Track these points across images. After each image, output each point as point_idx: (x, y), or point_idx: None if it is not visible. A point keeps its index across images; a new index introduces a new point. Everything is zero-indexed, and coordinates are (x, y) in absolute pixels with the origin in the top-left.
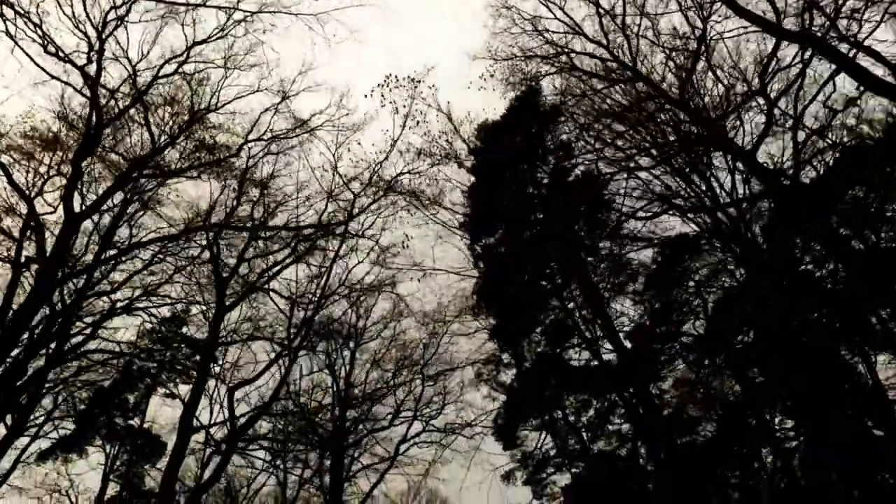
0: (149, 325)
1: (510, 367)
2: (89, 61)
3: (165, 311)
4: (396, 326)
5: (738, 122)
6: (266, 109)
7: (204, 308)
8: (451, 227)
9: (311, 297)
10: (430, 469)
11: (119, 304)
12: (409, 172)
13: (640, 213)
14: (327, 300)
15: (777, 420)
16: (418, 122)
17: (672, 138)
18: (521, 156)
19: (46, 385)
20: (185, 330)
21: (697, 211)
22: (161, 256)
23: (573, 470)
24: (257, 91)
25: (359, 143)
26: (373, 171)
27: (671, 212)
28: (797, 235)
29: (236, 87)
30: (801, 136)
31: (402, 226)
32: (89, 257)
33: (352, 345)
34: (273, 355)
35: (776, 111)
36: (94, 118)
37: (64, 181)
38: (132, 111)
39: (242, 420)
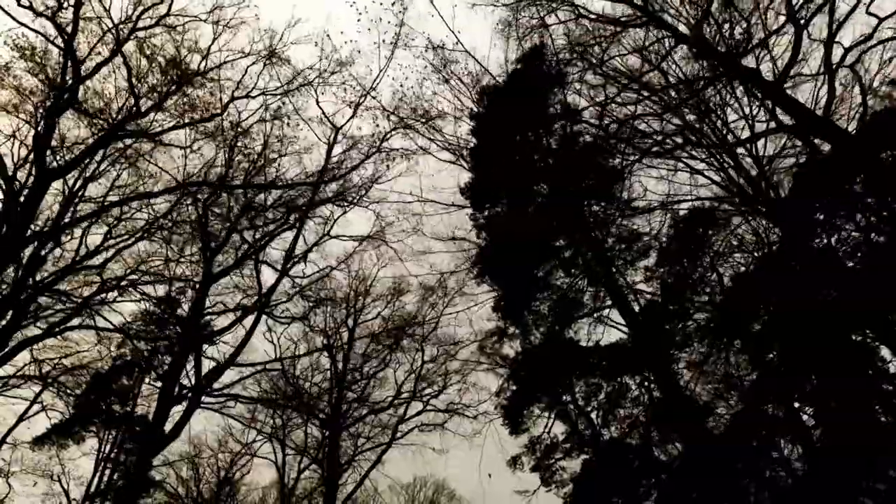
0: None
1: (514, 338)
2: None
3: (160, 292)
4: (396, 303)
5: (761, 56)
6: (254, 63)
7: (194, 282)
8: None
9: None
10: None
11: (109, 281)
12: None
13: (654, 151)
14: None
15: (796, 409)
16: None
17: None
18: (526, 121)
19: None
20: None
21: (715, 147)
22: (147, 225)
23: (583, 456)
24: (248, 54)
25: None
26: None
27: (687, 149)
28: (827, 195)
29: (226, 52)
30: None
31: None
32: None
33: (350, 322)
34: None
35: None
36: (69, 72)
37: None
38: (113, 66)
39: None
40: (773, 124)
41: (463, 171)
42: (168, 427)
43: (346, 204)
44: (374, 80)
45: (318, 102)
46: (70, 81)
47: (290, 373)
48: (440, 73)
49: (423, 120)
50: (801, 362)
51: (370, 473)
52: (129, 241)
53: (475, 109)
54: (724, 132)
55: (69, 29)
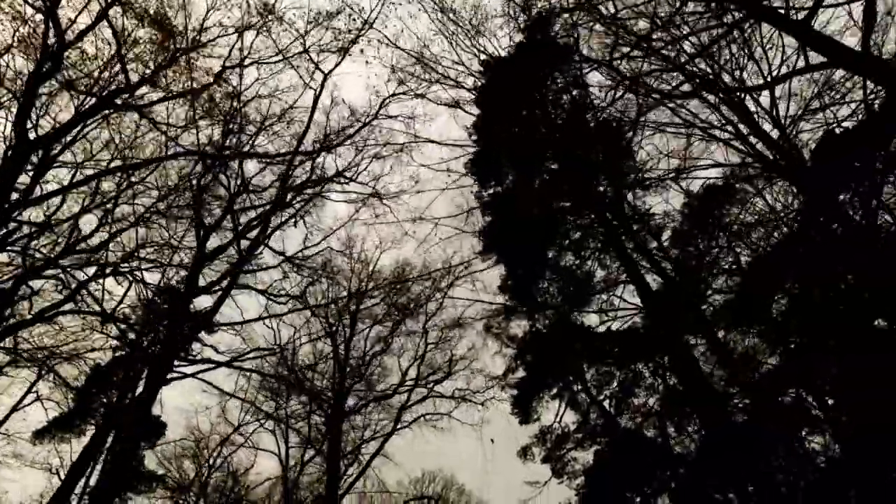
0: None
1: (522, 315)
2: None
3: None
4: (399, 287)
5: None
6: (248, 28)
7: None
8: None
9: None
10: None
11: (103, 263)
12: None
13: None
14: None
15: (819, 400)
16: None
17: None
18: (532, 94)
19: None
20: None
21: (732, 92)
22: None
23: (596, 447)
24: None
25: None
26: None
27: (703, 94)
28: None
29: (220, 25)
30: None
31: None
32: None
33: (353, 306)
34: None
35: None
36: (51, 36)
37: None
38: (101, 37)
39: None
40: (801, 62)
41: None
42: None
43: (346, 181)
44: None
45: (305, 50)
46: (55, 47)
47: (291, 358)
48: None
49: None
50: (825, 344)
51: (376, 464)
52: (125, 226)
53: (482, 62)
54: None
55: None
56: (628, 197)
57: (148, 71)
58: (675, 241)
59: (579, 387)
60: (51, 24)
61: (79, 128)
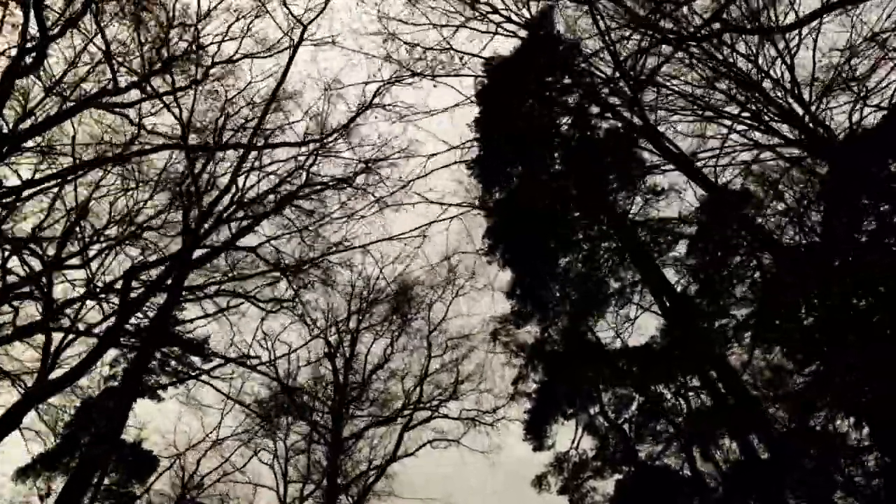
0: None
1: (531, 319)
2: None
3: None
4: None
5: None
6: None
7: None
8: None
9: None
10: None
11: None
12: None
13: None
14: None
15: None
16: None
17: None
18: (536, 96)
19: None
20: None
21: (754, 33)
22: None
23: (617, 476)
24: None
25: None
26: None
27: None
28: None
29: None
30: None
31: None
32: None
33: (352, 324)
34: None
35: None
36: (31, 27)
37: None
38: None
39: None
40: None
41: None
42: None
43: (344, 186)
44: None
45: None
46: (37, 40)
47: (285, 376)
48: None
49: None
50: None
51: (376, 488)
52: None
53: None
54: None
55: None
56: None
57: (138, 75)
58: (693, 248)
59: (596, 410)
60: (31, 16)
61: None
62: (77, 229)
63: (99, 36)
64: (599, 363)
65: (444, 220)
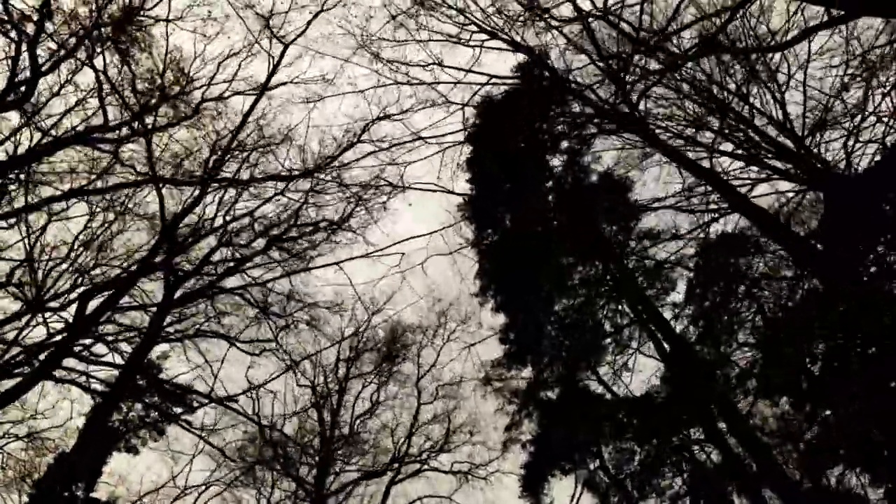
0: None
1: (524, 363)
2: None
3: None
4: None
5: None
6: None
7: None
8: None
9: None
10: None
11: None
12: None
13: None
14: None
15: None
16: None
17: None
18: (528, 139)
19: None
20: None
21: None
22: None
23: None
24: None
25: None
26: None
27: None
28: None
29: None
30: None
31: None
32: None
33: (341, 371)
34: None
35: None
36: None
37: None
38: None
39: None
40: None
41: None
42: None
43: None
44: None
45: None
46: (26, 76)
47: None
48: None
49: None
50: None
51: None
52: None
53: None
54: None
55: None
56: (637, 244)
57: (128, 115)
58: (692, 294)
59: (596, 464)
60: (21, 47)
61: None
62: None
63: (91, 72)
64: (598, 414)
65: (423, 235)
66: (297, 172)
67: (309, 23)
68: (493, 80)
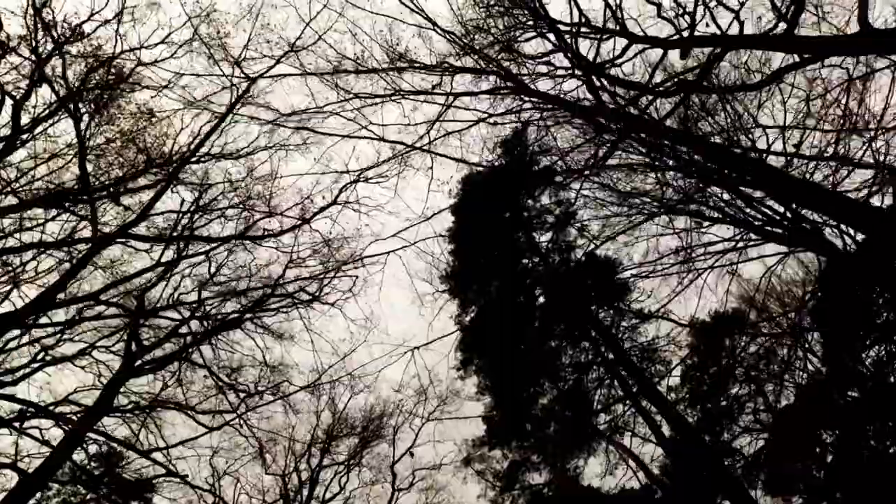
0: None
1: (508, 444)
2: None
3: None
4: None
5: None
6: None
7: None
8: None
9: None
10: None
11: None
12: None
13: None
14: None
15: None
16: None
17: None
18: (513, 219)
19: None
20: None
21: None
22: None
23: None
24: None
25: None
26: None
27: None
28: None
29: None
30: None
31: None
32: None
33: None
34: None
35: None
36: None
37: None
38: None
39: None
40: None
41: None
42: None
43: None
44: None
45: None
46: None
47: None
48: None
49: None
50: None
51: None
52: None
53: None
54: None
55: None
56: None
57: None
58: (687, 378)
59: None
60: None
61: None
62: None
63: (74, 137)
64: None
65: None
66: (271, 231)
67: (278, 60)
68: (473, 163)
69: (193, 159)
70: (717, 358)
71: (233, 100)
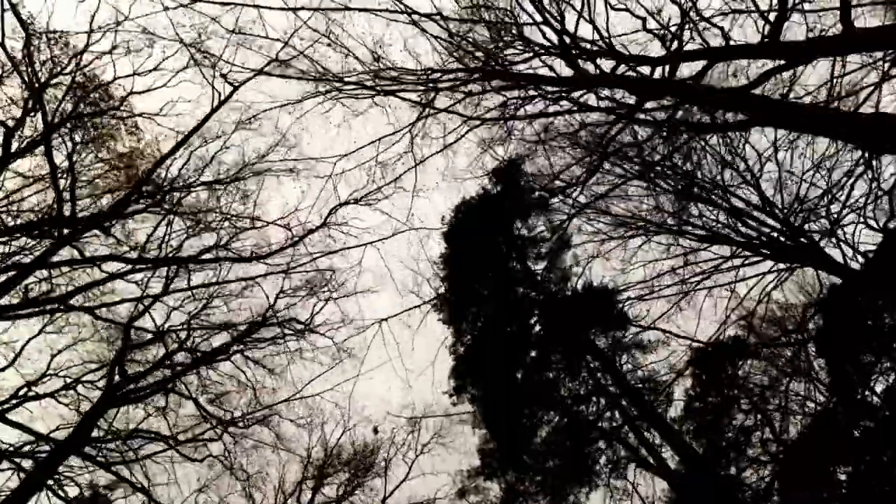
0: None
1: (504, 476)
2: None
3: None
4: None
5: None
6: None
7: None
8: None
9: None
10: None
11: None
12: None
13: None
14: None
15: None
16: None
17: None
18: (506, 246)
19: None
20: None
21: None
22: None
23: None
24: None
25: None
26: None
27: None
28: None
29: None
30: None
31: None
32: None
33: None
34: None
35: None
36: None
37: None
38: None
39: None
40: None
41: None
42: None
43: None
44: None
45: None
46: None
47: None
48: None
49: None
50: None
51: None
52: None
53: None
54: None
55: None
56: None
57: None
58: (690, 409)
59: None
60: None
61: None
62: None
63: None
64: None
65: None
66: (257, 253)
67: (261, 69)
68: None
69: (180, 183)
70: (718, 387)
71: (215, 104)
